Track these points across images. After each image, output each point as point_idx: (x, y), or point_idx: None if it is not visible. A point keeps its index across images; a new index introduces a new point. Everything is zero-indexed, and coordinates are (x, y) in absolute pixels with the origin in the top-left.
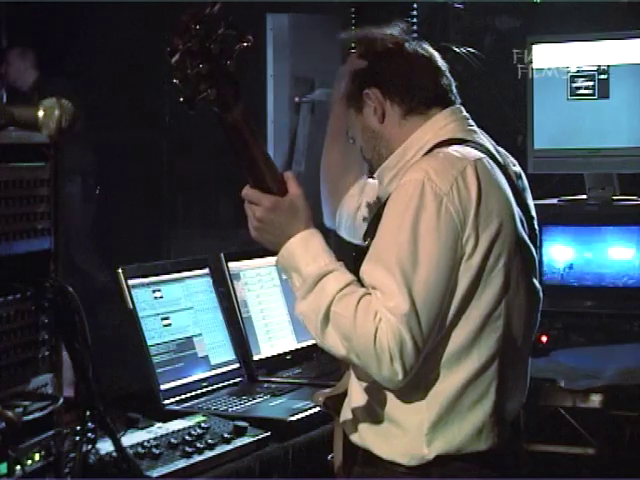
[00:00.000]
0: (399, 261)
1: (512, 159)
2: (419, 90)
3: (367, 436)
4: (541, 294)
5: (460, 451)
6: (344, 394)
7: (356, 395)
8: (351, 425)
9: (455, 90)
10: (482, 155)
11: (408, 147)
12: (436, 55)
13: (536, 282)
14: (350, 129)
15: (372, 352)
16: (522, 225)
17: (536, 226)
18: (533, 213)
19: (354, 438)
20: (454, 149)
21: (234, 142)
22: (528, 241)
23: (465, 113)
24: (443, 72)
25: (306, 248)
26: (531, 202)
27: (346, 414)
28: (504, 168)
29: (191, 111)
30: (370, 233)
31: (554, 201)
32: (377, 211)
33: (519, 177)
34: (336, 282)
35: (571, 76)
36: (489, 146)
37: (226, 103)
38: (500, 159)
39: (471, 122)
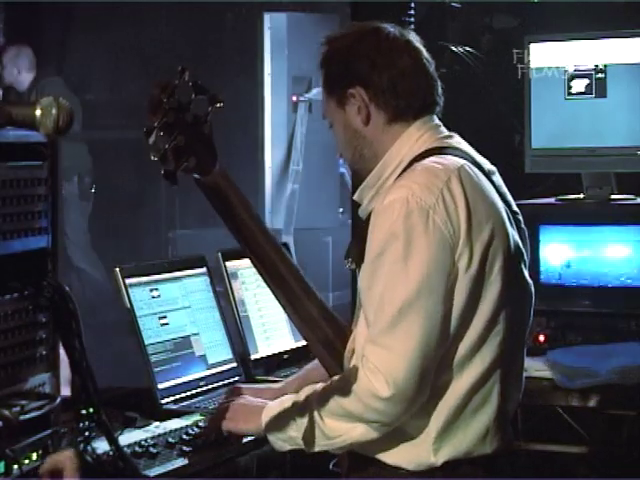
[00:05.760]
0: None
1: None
2: (407, 97)
3: (372, 446)
4: (532, 288)
5: (467, 455)
6: None
7: None
8: None
9: (440, 94)
10: (462, 161)
11: (386, 164)
12: (424, 53)
13: (527, 277)
14: (329, 116)
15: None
16: (510, 223)
17: (521, 219)
18: (515, 208)
19: (358, 450)
20: (433, 160)
21: (216, 202)
22: (518, 238)
23: (437, 121)
24: (432, 76)
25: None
26: (510, 197)
27: None
28: (482, 168)
29: (174, 185)
30: (352, 254)
31: (551, 200)
32: (360, 232)
33: (493, 174)
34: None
35: (569, 75)
36: (466, 148)
37: (205, 167)
38: (477, 159)
39: (443, 128)
